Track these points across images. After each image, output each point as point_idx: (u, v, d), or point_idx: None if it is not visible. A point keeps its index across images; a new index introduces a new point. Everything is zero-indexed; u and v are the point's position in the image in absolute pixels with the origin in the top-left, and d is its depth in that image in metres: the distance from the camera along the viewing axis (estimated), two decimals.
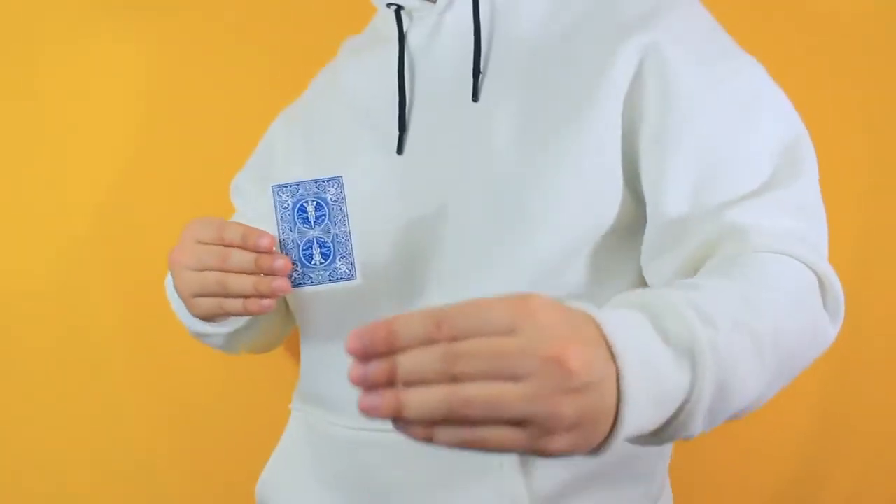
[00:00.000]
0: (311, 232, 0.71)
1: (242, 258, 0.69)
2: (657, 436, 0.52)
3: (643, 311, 0.50)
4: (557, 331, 0.44)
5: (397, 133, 0.79)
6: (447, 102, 0.78)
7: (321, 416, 0.83)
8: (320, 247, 0.71)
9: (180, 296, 0.76)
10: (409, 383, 0.44)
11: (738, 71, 0.69)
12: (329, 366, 0.81)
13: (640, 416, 0.47)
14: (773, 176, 0.65)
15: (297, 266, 0.71)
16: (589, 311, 0.47)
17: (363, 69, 0.86)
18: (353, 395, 0.70)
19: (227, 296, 0.71)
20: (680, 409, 0.51)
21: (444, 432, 0.44)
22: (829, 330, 0.65)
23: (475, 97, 0.76)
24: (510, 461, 0.67)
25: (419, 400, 0.43)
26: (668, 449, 0.76)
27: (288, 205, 0.71)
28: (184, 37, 1.25)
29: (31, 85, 1.24)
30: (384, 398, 0.44)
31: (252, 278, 0.69)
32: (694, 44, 0.69)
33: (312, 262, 0.71)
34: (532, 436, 0.44)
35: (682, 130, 0.65)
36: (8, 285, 1.23)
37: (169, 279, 0.86)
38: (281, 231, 0.71)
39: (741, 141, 0.65)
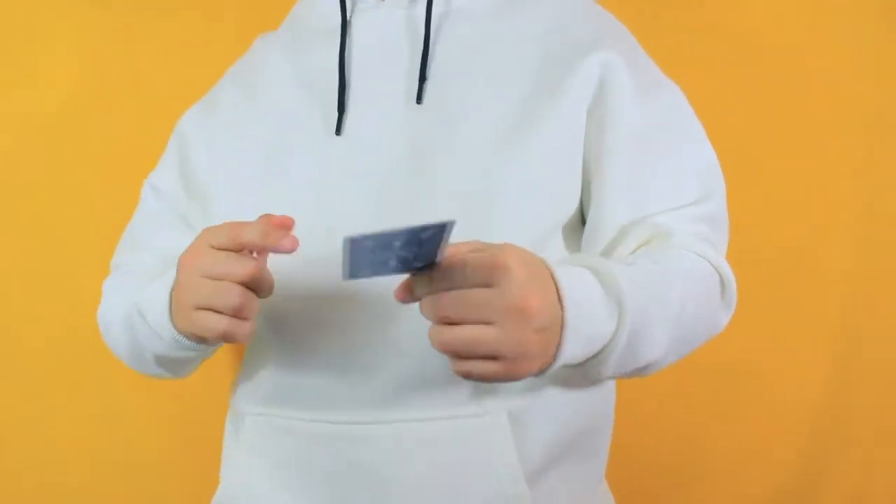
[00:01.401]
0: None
1: (245, 268, 0.66)
2: (578, 368, 0.67)
3: (592, 272, 0.65)
4: (524, 284, 0.58)
5: (337, 115, 0.79)
6: (389, 97, 0.79)
7: (300, 415, 0.77)
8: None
9: (179, 308, 0.69)
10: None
11: (667, 102, 0.80)
12: (313, 362, 0.77)
13: (573, 348, 0.62)
14: (693, 193, 0.77)
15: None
16: (550, 267, 0.61)
17: (304, 55, 0.85)
18: (344, 389, 0.75)
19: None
20: (601, 350, 0.65)
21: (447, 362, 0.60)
22: (723, 317, 0.79)
23: (419, 100, 0.77)
24: (503, 436, 0.73)
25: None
26: (611, 430, 0.84)
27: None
28: (184, 37, 1.25)
29: (30, 85, 1.24)
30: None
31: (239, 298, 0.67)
32: (637, 70, 0.78)
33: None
34: (505, 366, 0.59)
35: (622, 151, 0.76)
36: (8, 285, 1.23)
37: (121, 301, 0.80)
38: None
39: (669, 164, 0.77)
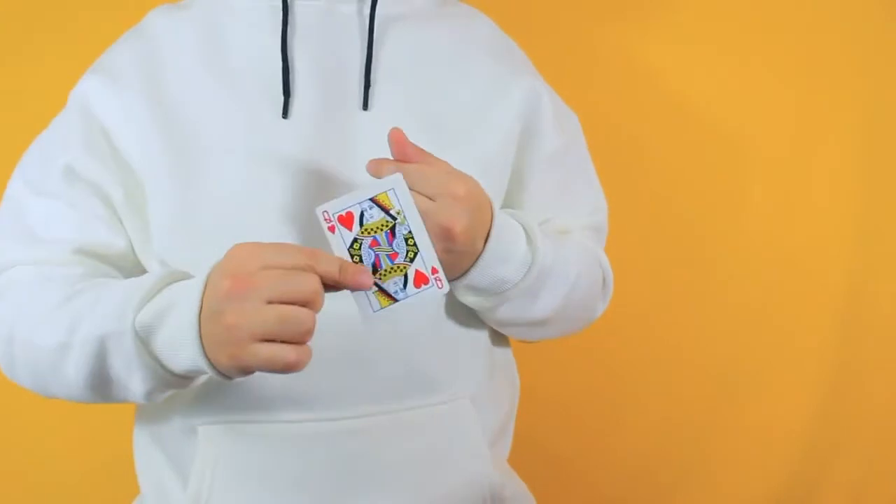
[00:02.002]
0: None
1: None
2: (479, 298, 0.75)
3: (525, 228, 0.75)
4: (459, 213, 0.66)
5: (283, 98, 0.76)
6: (335, 96, 0.78)
7: (274, 417, 0.74)
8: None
9: (224, 341, 0.61)
10: None
11: (573, 130, 0.91)
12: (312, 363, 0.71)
13: (480, 279, 0.72)
14: (589, 207, 0.90)
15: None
16: (493, 211, 0.71)
17: (238, 35, 0.79)
18: (328, 386, 0.74)
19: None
20: (503, 292, 0.74)
21: None
22: (600, 306, 0.88)
23: (365, 106, 0.77)
24: (470, 418, 0.80)
25: None
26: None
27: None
28: None
29: (29, 84, 1.23)
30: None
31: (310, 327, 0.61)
32: (553, 98, 0.88)
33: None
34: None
35: (543, 170, 0.85)
36: None
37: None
38: None
39: (576, 183, 0.89)
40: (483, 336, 0.83)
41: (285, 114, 0.75)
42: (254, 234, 0.65)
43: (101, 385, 0.69)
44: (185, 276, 0.69)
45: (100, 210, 0.77)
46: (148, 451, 0.80)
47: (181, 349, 0.63)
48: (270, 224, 0.73)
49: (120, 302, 0.67)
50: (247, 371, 0.62)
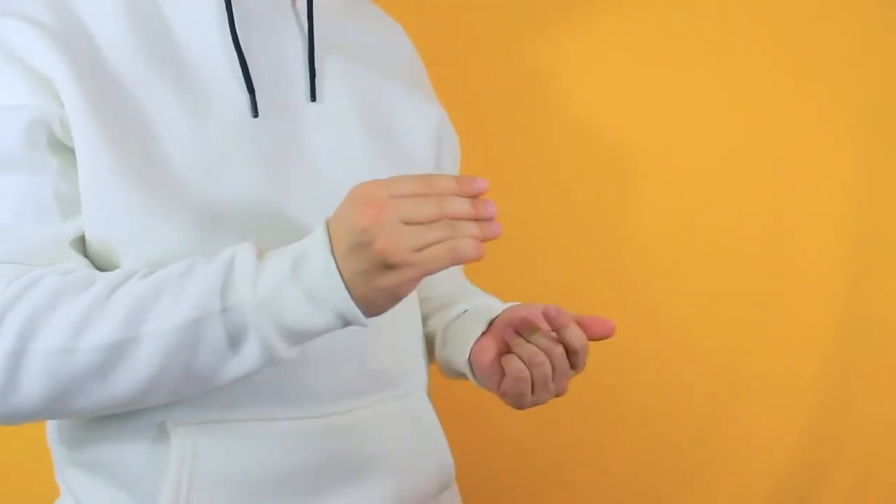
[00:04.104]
0: None
1: (463, 204, 0.62)
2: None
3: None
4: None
5: (248, 95, 0.74)
6: (282, 87, 0.77)
7: (255, 415, 0.72)
8: None
9: (381, 263, 0.60)
10: None
11: (457, 161, 0.96)
12: (298, 360, 0.70)
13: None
14: None
15: None
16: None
17: (177, 14, 0.75)
18: (330, 383, 0.74)
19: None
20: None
21: None
22: None
23: (313, 98, 0.78)
24: (429, 408, 0.84)
25: None
26: None
27: None
28: None
29: None
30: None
31: (475, 223, 0.62)
32: (453, 135, 0.94)
33: None
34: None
35: None
36: None
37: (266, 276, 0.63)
38: None
39: None
40: (421, 332, 0.88)
41: (255, 113, 0.73)
42: (209, 215, 0.68)
43: (170, 381, 0.64)
44: (260, 251, 0.65)
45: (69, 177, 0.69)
46: (79, 453, 0.73)
47: (327, 301, 0.62)
48: (230, 212, 0.71)
49: (210, 284, 0.63)
50: (401, 295, 0.63)
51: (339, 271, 0.62)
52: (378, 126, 0.82)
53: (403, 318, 0.82)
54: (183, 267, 0.65)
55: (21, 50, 0.68)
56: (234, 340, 0.63)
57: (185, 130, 0.70)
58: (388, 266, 0.60)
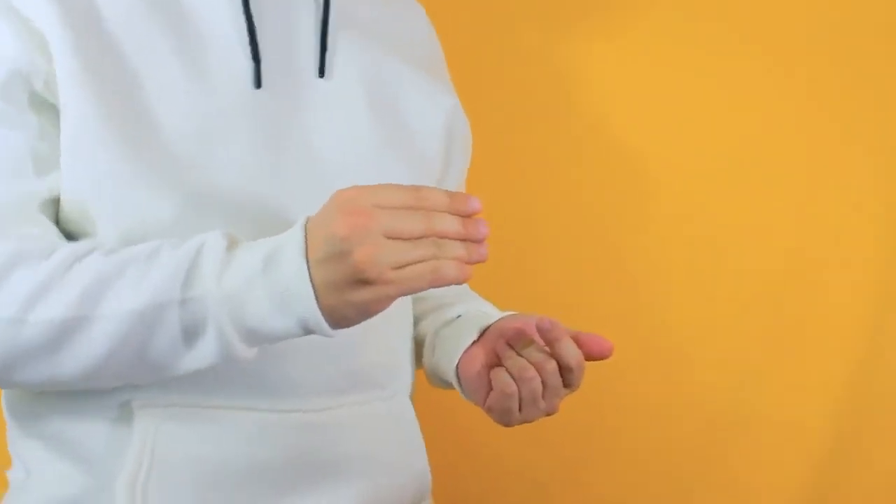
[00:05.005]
0: None
1: (453, 222, 0.59)
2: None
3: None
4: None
5: (253, 64, 0.72)
6: (289, 60, 0.75)
7: (228, 403, 0.70)
8: None
9: (356, 276, 0.58)
10: None
11: (468, 155, 0.94)
12: (279, 350, 0.70)
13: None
14: None
15: None
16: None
17: None
18: (313, 377, 0.72)
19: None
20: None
21: None
22: None
23: (321, 73, 0.75)
24: (410, 411, 0.83)
25: None
26: None
27: None
28: None
29: None
30: None
31: (462, 243, 0.60)
32: (465, 125, 0.90)
33: None
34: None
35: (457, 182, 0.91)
36: None
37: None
38: None
39: None
40: (410, 334, 0.85)
41: (258, 83, 0.71)
42: (205, 191, 0.66)
43: (121, 366, 0.62)
44: (232, 241, 0.62)
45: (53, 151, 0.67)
46: (35, 425, 0.71)
47: (292, 307, 0.60)
48: (222, 190, 0.69)
49: (174, 271, 0.61)
50: (373, 312, 0.60)
51: (311, 278, 0.59)
52: (386, 108, 0.79)
53: (396, 318, 0.80)
54: (149, 249, 0.63)
55: (17, 1, 0.67)
56: (191, 333, 0.61)
57: (182, 95, 0.68)
58: (363, 281, 0.58)
